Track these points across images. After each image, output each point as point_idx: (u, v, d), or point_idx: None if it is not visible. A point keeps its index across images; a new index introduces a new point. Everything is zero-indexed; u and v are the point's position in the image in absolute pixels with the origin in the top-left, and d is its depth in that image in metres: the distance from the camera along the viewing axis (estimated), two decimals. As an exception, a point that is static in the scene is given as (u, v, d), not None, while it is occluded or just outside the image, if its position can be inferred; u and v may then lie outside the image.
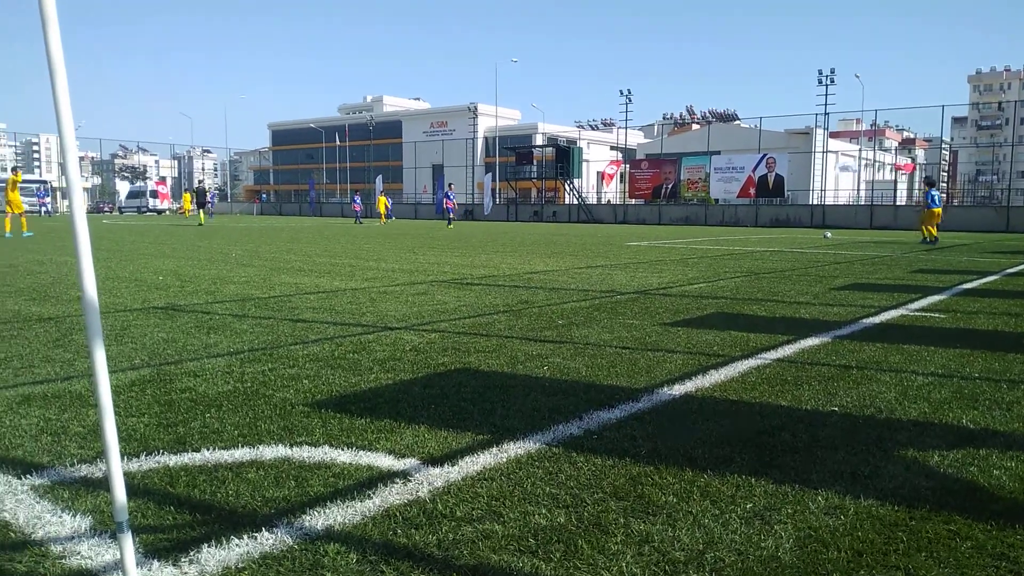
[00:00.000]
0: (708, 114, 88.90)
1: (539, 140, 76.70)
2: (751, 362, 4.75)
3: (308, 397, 3.81)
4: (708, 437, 3.23)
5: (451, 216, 36.59)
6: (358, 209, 43.96)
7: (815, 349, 5.21)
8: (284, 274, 10.33)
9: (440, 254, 14.99)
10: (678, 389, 4.05)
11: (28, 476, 2.71)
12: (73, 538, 2.23)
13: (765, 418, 3.53)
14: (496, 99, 69.33)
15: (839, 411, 3.66)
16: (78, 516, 2.38)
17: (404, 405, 3.68)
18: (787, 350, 5.15)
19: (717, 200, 47.38)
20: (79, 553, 2.14)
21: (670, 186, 49.36)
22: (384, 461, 2.90)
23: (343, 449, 3.02)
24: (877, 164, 68.31)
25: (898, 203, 46.27)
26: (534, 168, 57.28)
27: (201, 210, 34.96)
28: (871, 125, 72.09)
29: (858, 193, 53.02)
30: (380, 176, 64.23)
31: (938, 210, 21.59)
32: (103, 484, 2.62)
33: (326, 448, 3.03)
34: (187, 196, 36.50)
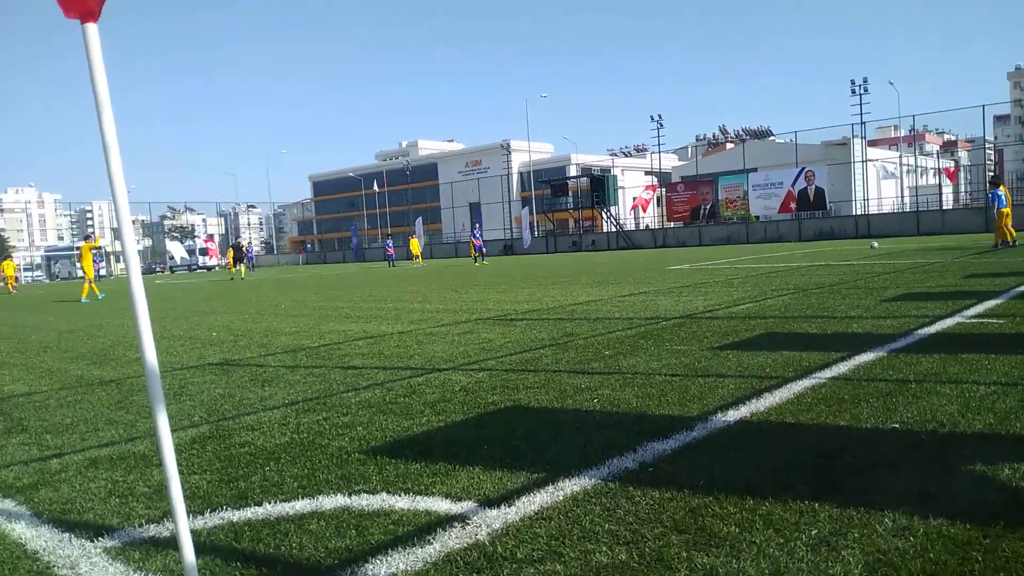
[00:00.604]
0: (742, 132, 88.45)
1: (573, 171, 77.06)
2: (805, 382, 4.66)
3: (363, 444, 3.86)
4: (767, 463, 3.18)
5: (481, 253, 37.50)
6: (391, 253, 45.57)
7: (870, 364, 5.10)
8: (332, 322, 10.50)
9: (482, 291, 15.09)
10: (732, 415, 4.00)
11: (100, 539, 2.79)
12: (146, 598, 2.29)
13: (824, 440, 3.46)
14: (528, 134, 70.17)
15: (900, 428, 3.57)
16: (149, 576, 2.44)
17: (457, 447, 3.70)
18: (842, 367, 5.05)
19: (758, 217, 46.87)
20: (152, 613, 2.19)
21: (708, 206, 49.03)
22: (441, 505, 2.92)
23: (401, 495, 3.05)
24: (919, 169, 66.90)
25: (944, 207, 45.12)
26: (570, 199, 57.56)
27: (240, 264, 37.11)
28: (910, 130, 70.77)
29: (902, 200, 51.94)
30: (419, 218, 65.20)
31: (1006, 209, 20.71)
32: (172, 543, 2.69)
33: (384, 495, 3.07)
34: (231, 251, 38.30)
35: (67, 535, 2.85)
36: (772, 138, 77.30)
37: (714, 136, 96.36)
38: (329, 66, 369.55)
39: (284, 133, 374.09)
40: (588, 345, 6.78)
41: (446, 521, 2.75)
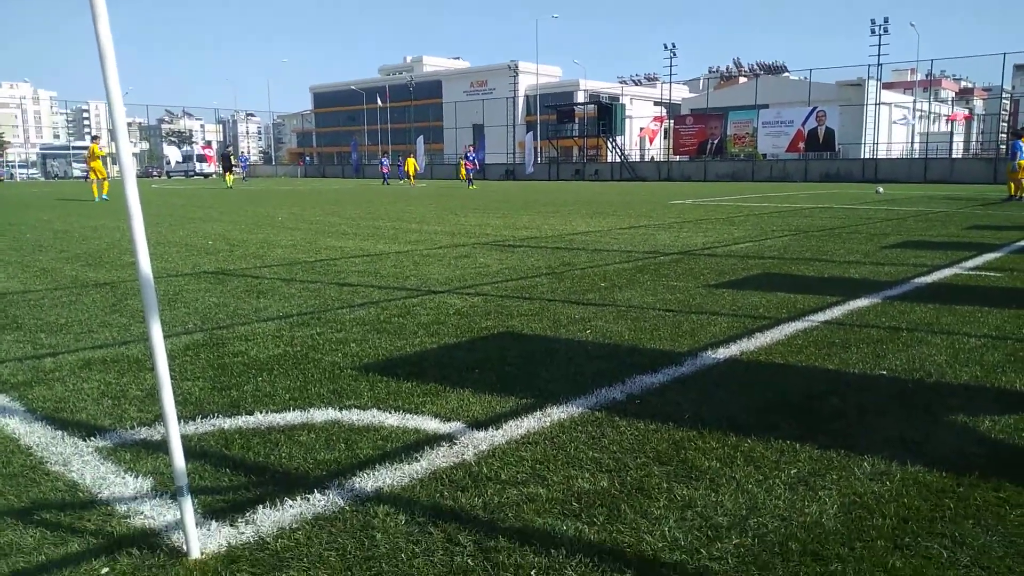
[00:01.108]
0: (756, 67, 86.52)
1: (581, 97, 75.57)
2: (798, 324, 4.69)
3: (356, 361, 3.89)
4: (752, 402, 3.22)
5: (471, 177, 36.80)
6: (386, 171, 45.26)
7: (864, 311, 5.11)
8: (329, 238, 10.47)
9: (482, 216, 15.00)
10: (722, 353, 4.03)
11: (92, 438, 2.84)
12: (136, 499, 2.34)
13: (812, 382, 3.50)
14: (537, 56, 68.53)
15: (888, 375, 3.61)
16: (140, 478, 2.49)
17: (449, 369, 3.73)
18: (835, 312, 5.07)
19: (765, 155, 46.30)
20: (142, 513, 2.24)
21: (716, 142, 48.36)
22: (430, 424, 2.96)
23: (391, 412, 3.10)
24: (932, 116, 65.77)
25: (954, 156, 44.57)
26: (576, 126, 56.62)
27: (227, 173, 37.40)
28: (927, 75, 69.23)
29: (912, 146, 51.27)
30: (421, 137, 64.26)
31: None
32: (162, 447, 2.73)
33: (374, 411, 3.11)
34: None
35: (60, 433, 2.89)
36: (786, 75, 75.58)
37: (727, 69, 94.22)
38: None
39: (286, 42, 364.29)
40: (584, 276, 6.78)
41: (434, 440, 2.80)
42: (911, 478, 2.44)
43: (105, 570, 1.93)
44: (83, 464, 2.60)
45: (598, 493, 2.35)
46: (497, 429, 2.91)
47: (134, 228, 1.97)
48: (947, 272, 6.81)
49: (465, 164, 36.86)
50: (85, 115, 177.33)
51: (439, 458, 2.63)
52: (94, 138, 24.58)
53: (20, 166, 71.57)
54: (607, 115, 53.16)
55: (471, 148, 39.10)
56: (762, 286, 6.12)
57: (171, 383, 3.15)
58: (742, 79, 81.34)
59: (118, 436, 2.86)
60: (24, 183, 49.16)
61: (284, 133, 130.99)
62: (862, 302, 5.40)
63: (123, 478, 2.48)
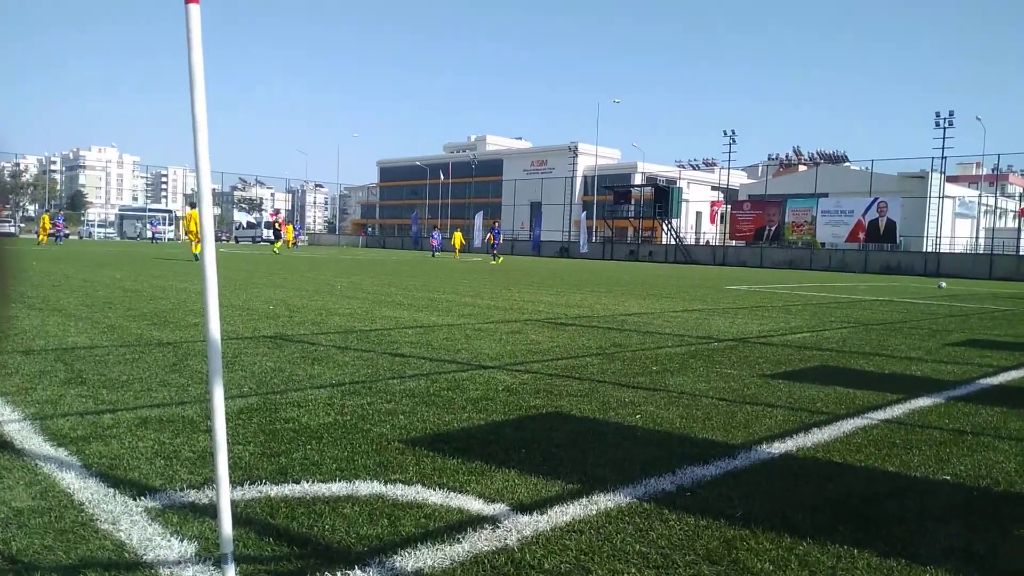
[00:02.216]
0: (816, 155, 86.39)
1: (638, 179, 76.39)
2: (857, 421, 4.53)
3: (403, 433, 3.90)
4: (808, 501, 3.09)
5: (494, 251, 37.69)
6: (435, 244, 46.21)
7: (927, 410, 4.92)
8: (385, 307, 10.64)
9: (535, 292, 15.09)
10: (777, 447, 3.90)
11: (143, 498, 2.88)
12: (180, 563, 2.35)
13: (871, 484, 3.36)
14: (597, 139, 69.89)
15: (952, 480, 3.44)
16: (185, 541, 2.50)
17: (495, 447, 3.70)
18: (896, 410, 4.88)
19: (824, 244, 45.73)
20: (185, 577, 2.25)
21: (773, 228, 48.07)
22: (474, 505, 2.92)
23: (435, 489, 3.07)
24: (999, 211, 64.26)
25: (1022, 252, 43.24)
26: (632, 207, 57.09)
27: (277, 241, 39.17)
28: (993, 169, 68.02)
29: (977, 241, 49.98)
30: (480, 213, 65.50)
31: None
32: (209, 511, 2.76)
33: (419, 487, 3.09)
34: (289, 228, 40.68)
35: (112, 491, 2.95)
36: (847, 164, 75.23)
37: (787, 157, 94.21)
38: (407, 55, 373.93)
39: (357, 118, 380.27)
40: (636, 358, 6.72)
41: (477, 522, 2.76)
42: (980, 596, 2.29)
43: (144, 635, 1.93)
44: (131, 524, 2.64)
45: (643, 589, 2.26)
46: (542, 514, 2.85)
47: (208, 293, 2.05)
48: (1015, 374, 6.52)
49: (490, 237, 38.91)
50: (163, 179, 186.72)
51: (481, 541, 2.59)
52: (192, 204, 26.81)
53: (99, 225, 75.20)
54: (664, 197, 53.51)
55: (497, 223, 41.28)
56: (820, 379, 5.95)
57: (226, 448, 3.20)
58: (802, 167, 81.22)
59: (167, 497, 2.90)
60: (100, 242, 51.57)
61: (349, 204, 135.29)
62: (924, 401, 5.20)
63: (169, 541, 2.50)
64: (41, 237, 41.09)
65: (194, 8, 2.02)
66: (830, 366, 6.70)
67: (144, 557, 2.38)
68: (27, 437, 3.62)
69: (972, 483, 3.41)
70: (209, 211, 2.07)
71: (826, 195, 47.89)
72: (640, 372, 6.00)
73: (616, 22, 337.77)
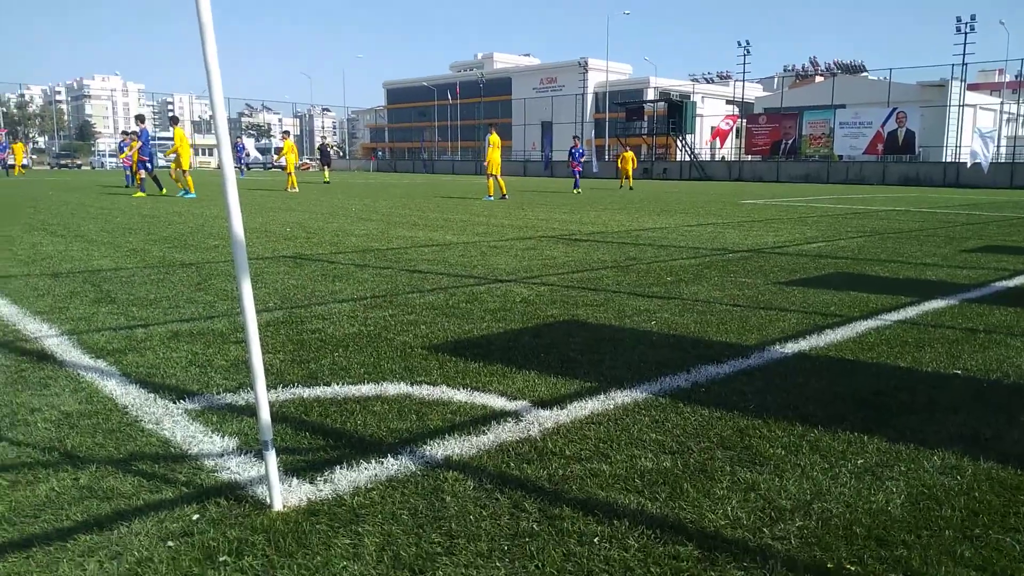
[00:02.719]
0: (833, 66, 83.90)
1: (651, 95, 74.73)
2: (870, 323, 4.60)
3: (425, 341, 4.02)
4: (820, 395, 3.20)
5: (577, 178, 26.98)
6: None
7: (940, 311, 4.98)
8: (400, 228, 10.70)
9: (549, 211, 15.06)
10: (791, 348, 4.00)
11: (181, 401, 3.03)
12: (222, 455, 2.49)
13: (882, 379, 3.45)
14: (607, 53, 67.90)
15: (962, 374, 3.53)
16: (226, 437, 2.65)
17: (515, 352, 3.82)
18: (909, 312, 4.95)
19: (841, 157, 44.94)
20: (228, 468, 2.40)
21: (790, 142, 47.19)
22: (497, 402, 3.05)
23: (459, 389, 3.20)
24: (1021, 119, 62.58)
25: (1047, 161, 42.34)
26: (645, 124, 56.04)
27: (325, 168, 33.76)
28: (1016, 76, 65.86)
29: (998, 150, 48.92)
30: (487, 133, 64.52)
31: None
32: (245, 411, 2.90)
33: (443, 387, 3.22)
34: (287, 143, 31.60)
35: (152, 395, 3.10)
36: (865, 74, 73.14)
37: (803, 68, 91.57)
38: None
39: (361, 38, 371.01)
40: (650, 270, 6.78)
41: (500, 416, 2.88)
42: (983, 473, 2.40)
43: (196, 516, 2.08)
44: (174, 423, 2.79)
45: (661, 472, 2.39)
46: (562, 409, 2.97)
47: (230, 203, 2.11)
48: (1032, 277, 6.54)
49: (572, 164, 27.21)
50: (170, 106, 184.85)
51: (505, 432, 2.72)
52: (285, 133, 24.88)
53: (110, 155, 74.93)
54: (677, 113, 52.44)
55: (577, 142, 28.22)
56: (834, 285, 6.01)
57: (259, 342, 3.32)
58: (818, 78, 79.02)
59: (205, 400, 3.05)
60: (113, 171, 51.53)
61: (358, 128, 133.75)
62: (938, 303, 5.25)
63: (210, 437, 2.65)
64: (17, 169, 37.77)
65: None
66: (845, 272, 6.74)
67: (189, 451, 2.53)
68: (67, 350, 3.77)
69: (983, 376, 3.49)
70: (225, 131, 2.11)
71: (843, 107, 46.74)
72: (654, 283, 6.07)
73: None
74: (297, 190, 22.56)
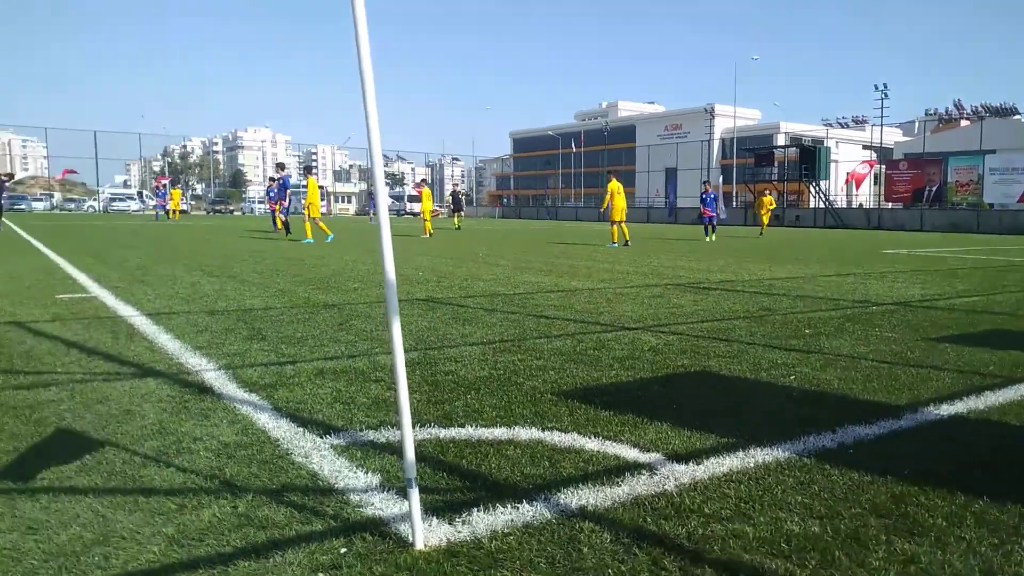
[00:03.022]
0: (980, 108, 78.61)
1: (781, 140, 72.78)
2: (1037, 386, 4.21)
3: (555, 387, 4.04)
4: (983, 462, 2.95)
5: (711, 225, 24.90)
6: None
7: (1123, 377, 4.48)
8: (526, 273, 10.86)
9: (674, 258, 14.85)
10: (946, 409, 3.72)
11: (328, 436, 3.18)
12: (367, 491, 2.59)
13: (1056, 448, 3.14)
14: (735, 99, 66.70)
15: None
16: (369, 473, 2.76)
17: (645, 402, 3.76)
18: (1085, 376, 4.49)
19: (992, 205, 41.80)
20: (372, 504, 2.49)
21: (934, 189, 44.45)
22: (629, 453, 3.01)
23: (590, 437, 3.19)
24: None
25: None
26: (775, 170, 54.44)
27: (456, 214, 33.39)
28: None
29: None
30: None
31: None
32: (386, 448, 3.01)
33: (575, 435, 3.21)
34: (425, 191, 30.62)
35: (301, 430, 3.27)
36: (1017, 117, 68.13)
37: (946, 111, 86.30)
38: (537, 24, 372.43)
39: (489, 91, 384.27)
40: (787, 321, 6.52)
41: (634, 467, 2.84)
42: None
43: (343, 550, 2.17)
44: (321, 458, 2.93)
45: (809, 537, 2.27)
46: (698, 464, 2.90)
47: (384, 248, 2.23)
48: None
49: (704, 211, 25.22)
50: (313, 156, 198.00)
51: (640, 485, 2.67)
52: (423, 182, 25.32)
53: (259, 201, 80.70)
54: (810, 158, 50.62)
55: (709, 188, 26.32)
56: (992, 343, 5.55)
57: (391, 394, 3.45)
58: (964, 122, 74.27)
59: (349, 436, 3.19)
60: (262, 216, 55.40)
61: (485, 176, 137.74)
62: (1121, 367, 4.74)
63: (355, 472, 2.76)
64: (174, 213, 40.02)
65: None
66: (1003, 330, 6.23)
67: (336, 485, 2.65)
68: (223, 384, 4.06)
69: None
70: (382, 182, 2.24)
71: (993, 152, 43.61)
72: (792, 335, 5.84)
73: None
74: (431, 235, 23.23)
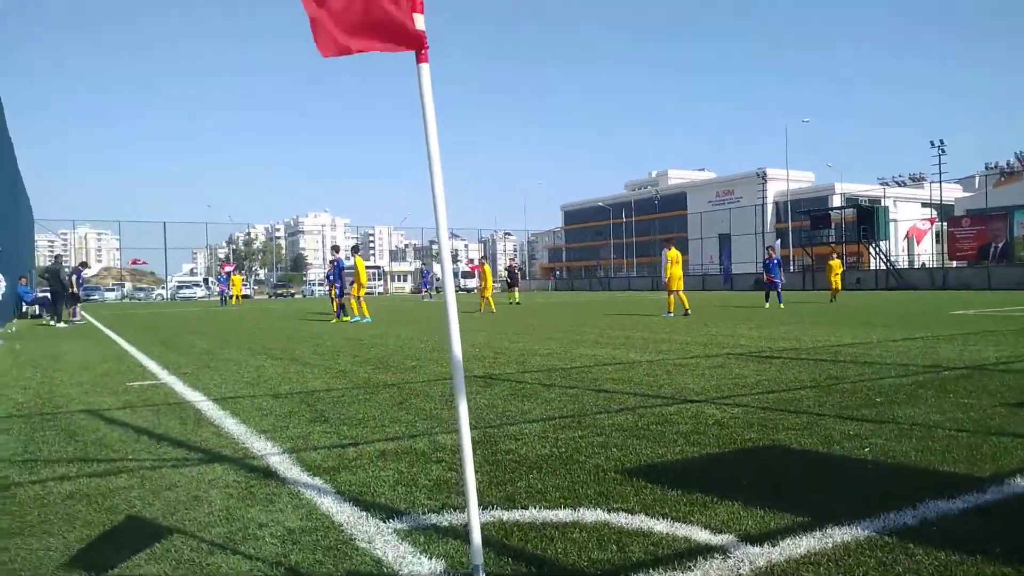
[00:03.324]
0: (1047, 160, 76.34)
1: (836, 201, 71.85)
2: None
3: (618, 465, 3.96)
4: (1084, 539, 2.76)
5: (776, 291, 23.35)
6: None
7: None
8: (582, 346, 10.81)
9: (733, 326, 14.60)
10: (1036, 481, 3.51)
11: (391, 520, 3.17)
12: (432, 578, 2.56)
13: None
14: (787, 162, 66.49)
15: None
16: (433, 560, 2.72)
17: (714, 480, 3.65)
18: None
19: (1066, 259, 40.16)
20: (437, 592, 2.45)
21: (1000, 245, 43.03)
22: (701, 535, 2.91)
23: (658, 519, 3.09)
24: None
25: None
26: (832, 232, 53.61)
27: (513, 289, 32.78)
28: None
29: None
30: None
31: None
32: (450, 533, 2.98)
33: (642, 516, 3.13)
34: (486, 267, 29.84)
35: (364, 514, 3.27)
36: (1088, 167, 65.97)
37: (1008, 165, 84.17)
38: (586, 97, 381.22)
39: (540, 165, 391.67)
40: (856, 390, 6.31)
41: (706, 551, 2.74)
42: None
43: (410, 640, 2.13)
44: (385, 543, 2.91)
45: (897, 624, 2.14)
46: (773, 546, 2.78)
47: (451, 330, 2.27)
48: None
49: (767, 277, 23.95)
50: (371, 238, 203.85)
51: (713, 570, 2.57)
52: (483, 259, 25.08)
53: (319, 284, 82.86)
54: (868, 219, 49.75)
55: (772, 253, 24.82)
56: (1081, 407, 5.25)
57: (452, 475, 3.45)
58: (1030, 174, 72.15)
59: (412, 519, 3.17)
60: (322, 298, 56.77)
61: (537, 249, 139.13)
62: None
63: (419, 559, 2.73)
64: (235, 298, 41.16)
65: (424, 68, 2.27)
66: (1093, 393, 5.89)
67: (400, 572, 2.62)
68: (288, 467, 4.11)
69: None
70: (448, 263, 2.30)
71: (1065, 204, 42.19)
72: (863, 404, 5.64)
73: (796, 45, 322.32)
74: (495, 311, 23.03)
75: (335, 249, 21.42)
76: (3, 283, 23.43)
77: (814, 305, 23.62)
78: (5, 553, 2.88)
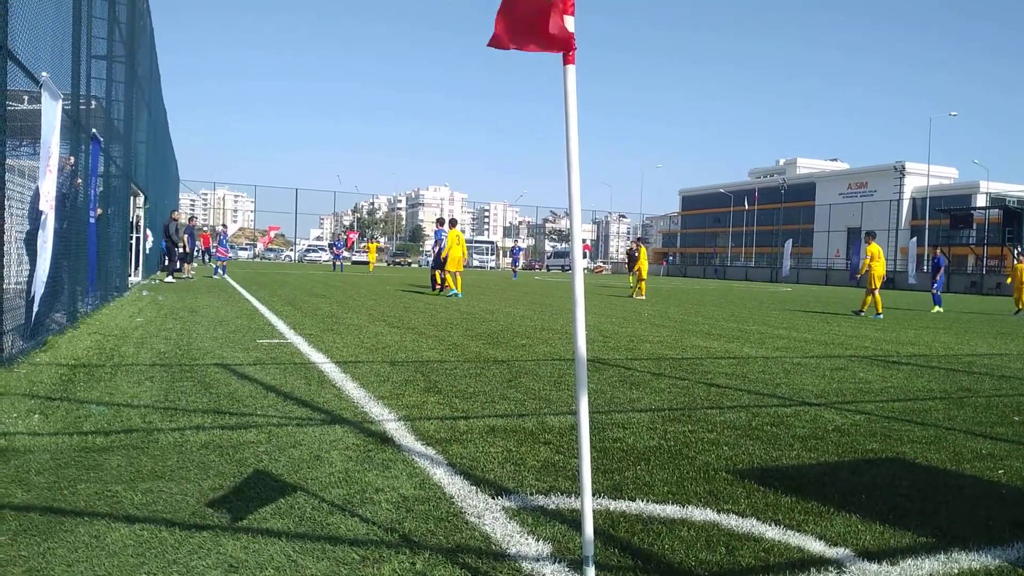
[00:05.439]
0: None
1: (981, 201, 66.63)
2: None
3: (729, 464, 3.89)
4: None
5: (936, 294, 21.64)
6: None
7: None
8: (694, 336, 10.60)
9: (858, 326, 13.90)
10: None
11: (500, 498, 3.25)
12: (539, 560, 2.61)
13: None
14: (928, 156, 62.31)
15: None
16: (540, 541, 2.78)
17: (831, 489, 3.53)
18: None
19: None
20: (543, 575, 2.50)
21: None
22: (815, 545, 2.82)
23: (770, 524, 3.02)
24: None
25: None
26: (973, 232, 49.89)
27: (632, 273, 30.10)
28: None
29: None
30: (789, 240, 62.05)
31: None
32: (556, 516, 3.03)
33: (753, 520, 3.06)
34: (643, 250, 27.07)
35: (474, 488, 3.37)
36: None
37: None
38: (712, 80, 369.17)
39: (659, 149, 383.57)
40: (991, 405, 5.89)
41: (820, 562, 2.66)
42: None
43: (515, 618, 2.19)
44: (493, 520, 2.99)
45: (1028, 665, 2.01)
46: (892, 564, 2.66)
47: (577, 318, 2.28)
48: None
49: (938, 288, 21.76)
50: (486, 213, 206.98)
51: (826, 583, 2.50)
52: (636, 241, 24.81)
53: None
54: (1015, 220, 45.95)
55: (937, 252, 23.53)
56: None
57: (559, 457, 3.48)
58: None
59: (520, 499, 3.24)
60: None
61: (651, 233, 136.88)
62: None
63: (526, 539, 2.80)
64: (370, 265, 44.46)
65: (571, 69, 2.28)
66: None
67: (508, 550, 2.69)
68: (403, 435, 4.28)
69: None
70: (578, 240, 2.31)
71: None
72: (998, 421, 5.26)
73: (948, 27, 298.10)
74: (644, 297, 22.21)
75: (439, 222, 21.50)
76: (151, 238, 25.24)
77: (986, 317, 22.06)
78: (149, 495, 3.15)
